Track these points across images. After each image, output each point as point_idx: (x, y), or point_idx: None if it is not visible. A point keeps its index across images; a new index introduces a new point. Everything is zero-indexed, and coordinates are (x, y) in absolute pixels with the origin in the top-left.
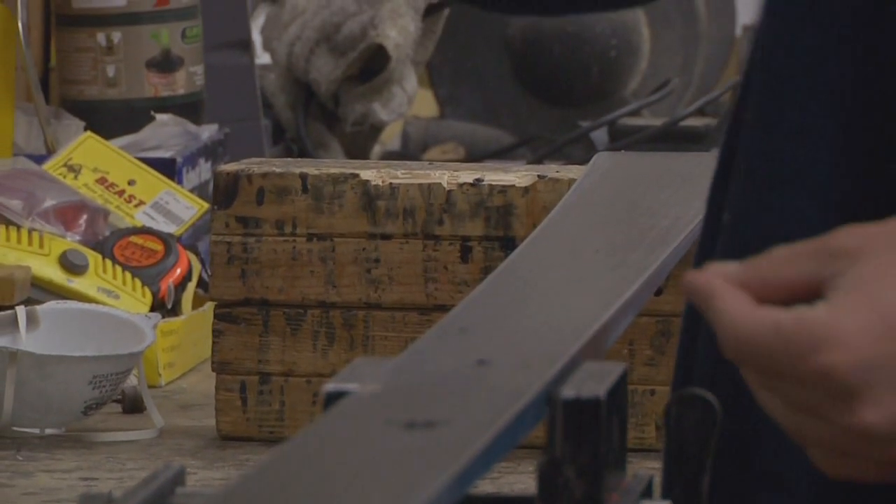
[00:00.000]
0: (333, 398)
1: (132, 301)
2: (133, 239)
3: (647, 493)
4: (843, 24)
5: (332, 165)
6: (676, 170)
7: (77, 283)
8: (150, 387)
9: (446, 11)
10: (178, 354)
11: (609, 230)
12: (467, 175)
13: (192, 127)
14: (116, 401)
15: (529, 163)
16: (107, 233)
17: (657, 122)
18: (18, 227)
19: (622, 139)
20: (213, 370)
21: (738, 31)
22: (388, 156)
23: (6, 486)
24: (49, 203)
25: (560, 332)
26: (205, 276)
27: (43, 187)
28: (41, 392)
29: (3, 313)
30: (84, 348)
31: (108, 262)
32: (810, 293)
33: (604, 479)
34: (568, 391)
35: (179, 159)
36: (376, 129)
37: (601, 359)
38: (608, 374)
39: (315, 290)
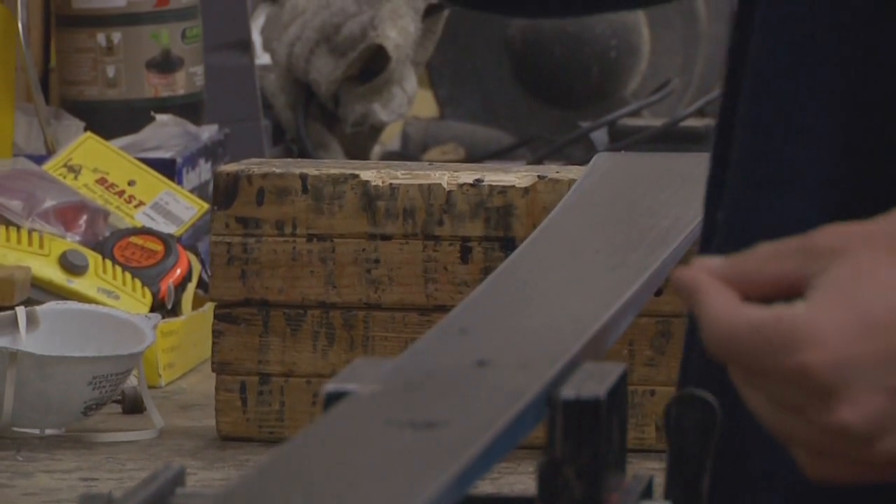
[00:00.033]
0: (333, 399)
1: (132, 301)
2: (133, 239)
3: (647, 493)
4: (841, 22)
5: (332, 166)
6: (676, 170)
7: (77, 284)
8: (150, 387)
9: (446, 12)
10: (178, 355)
11: (609, 231)
12: (467, 176)
13: (192, 127)
14: (116, 401)
15: (529, 163)
16: (107, 233)
17: (657, 122)
18: (18, 228)
19: (622, 139)
20: (213, 371)
21: None
22: (388, 156)
23: (6, 487)
24: (49, 203)
25: (560, 332)
26: (205, 276)
27: (43, 188)
28: (41, 392)
29: (3, 314)
30: (84, 349)
31: (108, 263)
32: (793, 290)
33: (604, 480)
34: (568, 391)
35: (179, 160)
36: (376, 129)
37: (601, 359)
38: (608, 374)
39: (315, 291)
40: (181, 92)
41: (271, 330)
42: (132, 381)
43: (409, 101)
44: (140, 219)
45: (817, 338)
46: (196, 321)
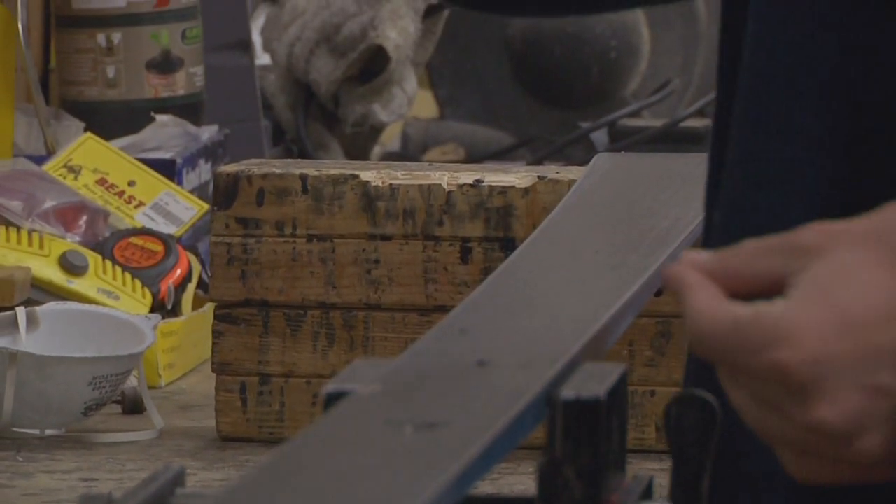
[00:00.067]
0: (333, 399)
1: (132, 302)
2: (133, 240)
3: (647, 494)
4: (827, 24)
5: (331, 166)
6: (676, 171)
7: (77, 284)
8: (149, 388)
9: (446, 13)
10: (178, 355)
11: (609, 231)
12: (467, 176)
13: (192, 128)
14: (116, 402)
15: (529, 164)
16: (107, 234)
17: (657, 122)
18: (18, 228)
19: (622, 140)
20: (213, 371)
21: None
22: (388, 157)
23: (6, 487)
24: (49, 204)
25: (560, 332)
26: (205, 276)
27: (43, 188)
28: (41, 393)
29: (3, 314)
30: (84, 349)
31: (108, 263)
32: (777, 288)
33: (604, 480)
34: (568, 392)
35: (179, 160)
36: (376, 129)
37: (601, 359)
38: (608, 374)
39: (315, 291)
40: (181, 92)
41: (271, 330)
42: (132, 381)
43: (409, 101)
44: (140, 219)
45: (795, 336)
46: (196, 322)
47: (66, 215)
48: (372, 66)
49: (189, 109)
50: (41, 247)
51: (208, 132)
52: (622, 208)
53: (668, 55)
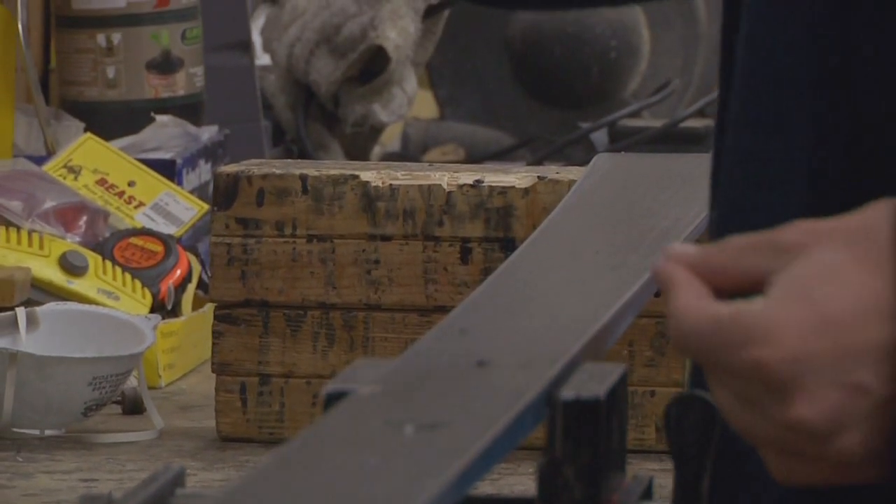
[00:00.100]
0: (333, 399)
1: (132, 302)
2: (133, 240)
3: (648, 494)
4: (823, 23)
5: (332, 167)
6: (676, 171)
7: (77, 285)
8: (150, 388)
9: (446, 13)
10: (178, 356)
11: (609, 231)
12: (467, 176)
13: (192, 128)
14: (116, 402)
15: (529, 164)
16: (107, 234)
17: (657, 123)
18: (18, 229)
19: (622, 140)
20: (213, 371)
21: None
22: (388, 157)
23: (6, 488)
24: (49, 204)
25: (560, 333)
26: (205, 277)
27: (43, 188)
28: (41, 393)
29: (3, 314)
30: (84, 349)
31: (108, 264)
32: (760, 284)
33: (604, 481)
34: (568, 392)
35: (179, 160)
36: (376, 130)
37: (601, 360)
38: (608, 375)
39: (315, 292)
40: (181, 93)
41: (271, 331)
42: (132, 381)
43: (409, 101)
44: (140, 219)
45: (773, 334)
46: (196, 322)
47: (66, 215)
48: (372, 67)
49: (189, 110)
50: (41, 247)
51: (208, 132)
52: (622, 208)
53: (668, 55)
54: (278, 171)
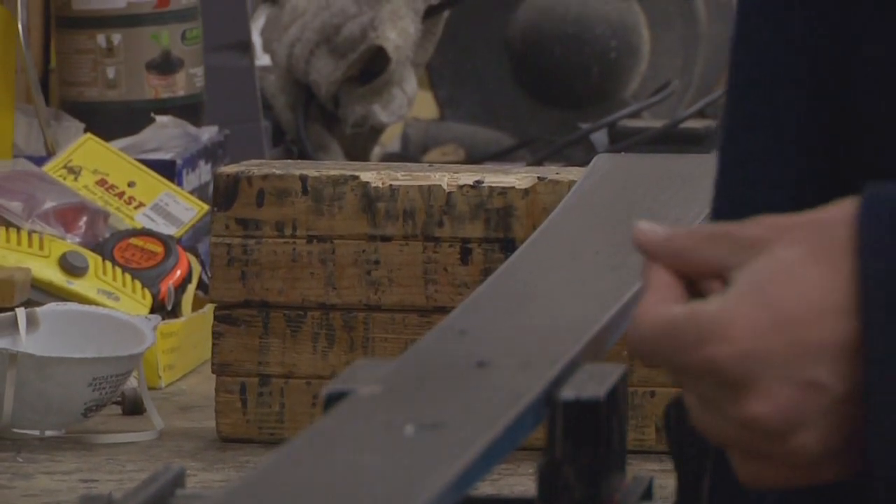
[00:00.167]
0: (333, 400)
1: (132, 303)
2: (133, 241)
3: (648, 495)
4: (819, 24)
5: (332, 167)
6: (676, 171)
7: (77, 285)
8: (149, 388)
9: (446, 13)
10: (178, 356)
11: (609, 232)
12: (467, 177)
13: (192, 129)
14: (116, 402)
15: (529, 164)
16: (107, 234)
17: (657, 123)
18: (18, 229)
19: (622, 141)
20: (213, 372)
21: None
22: (388, 157)
23: (6, 488)
24: (49, 205)
25: (560, 333)
26: (205, 277)
27: (43, 189)
28: (41, 394)
29: (3, 315)
30: (84, 350)
31: (108, 264)
32: (721, 277)
33: (604, 481)
34: (568, 392)
35: (179, 161)
36: (376, 130)
37: (601, 360)
38: (608, 375)
39: (315, 292)
40: (181, 93)
41: (271, 331)
42: (132, 382)
43: (409, 102)
44: (140, 220)
45: (727, 331)
46: (196, 322)
47: (66, 216)
48: (372, 67)
49: (189, 110)
50: (41, 247)
51: (208, 133)
52: (622, 209)
53: (668, 56)
54: (278, 172)
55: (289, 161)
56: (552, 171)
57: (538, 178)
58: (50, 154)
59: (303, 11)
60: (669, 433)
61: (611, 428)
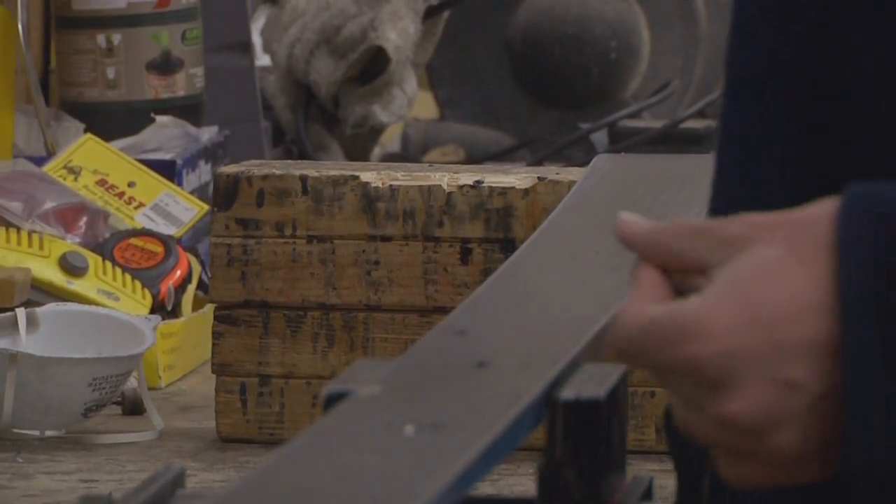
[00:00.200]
0: (333, 400)
1: (132, 303)
2: (133, 241)
3: (648, 495)
4: (807, 24)
5: (332, 167)
6: (676, 172)
7: (77, 285)
8: (149, 389)
9: (446, 14)
10: (178, 356)
11: (609, 232)
12: (467, 177)
13: (192, 129)
14: (116, 403)
15: (529, 165)
16: (107, 235)
17: (657, 124)
18: (18, 229)
19: (622, 141)
20: (213, 372)
21: None
22: (388, 158)
23: (6, 488)
24: (49, 205)
25: (560, 333)
26: (205, 277)
27: (43, 189)
28: (41, 394)
29: (3, 315)
30: (84, 350)
31: (108, 264)
32: (702, 273)
33: (604, 481)
34: (568, 393)
35: (179, 161)
36: (376, 130)
37: (601, 360)
38: (608, 375)
39: (315, 292)
40: (181, 93)
41: (271, 331)
42: (132, 382)
43: (409, 102)
44: (140, 220)
45: (705, 330)
46: (196, 323)
47: (66, 216)
48: (372, 68)
49: (189, 110)
50: (41, 248)
51: (208, 133)
52: (622, 209)
53: (668, 56)
54: (278, 172)
55: (289, 161)
56: (552, 172)
57: (538, 178)
58: (50, 154)
59: (303, 12)
60: (669, 433)
61: (611, 428)
